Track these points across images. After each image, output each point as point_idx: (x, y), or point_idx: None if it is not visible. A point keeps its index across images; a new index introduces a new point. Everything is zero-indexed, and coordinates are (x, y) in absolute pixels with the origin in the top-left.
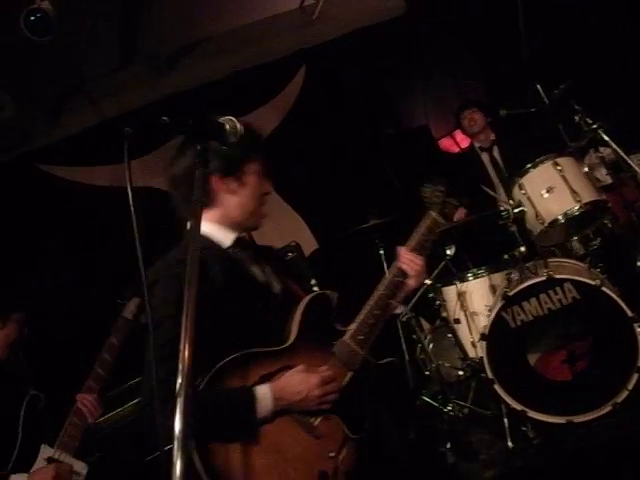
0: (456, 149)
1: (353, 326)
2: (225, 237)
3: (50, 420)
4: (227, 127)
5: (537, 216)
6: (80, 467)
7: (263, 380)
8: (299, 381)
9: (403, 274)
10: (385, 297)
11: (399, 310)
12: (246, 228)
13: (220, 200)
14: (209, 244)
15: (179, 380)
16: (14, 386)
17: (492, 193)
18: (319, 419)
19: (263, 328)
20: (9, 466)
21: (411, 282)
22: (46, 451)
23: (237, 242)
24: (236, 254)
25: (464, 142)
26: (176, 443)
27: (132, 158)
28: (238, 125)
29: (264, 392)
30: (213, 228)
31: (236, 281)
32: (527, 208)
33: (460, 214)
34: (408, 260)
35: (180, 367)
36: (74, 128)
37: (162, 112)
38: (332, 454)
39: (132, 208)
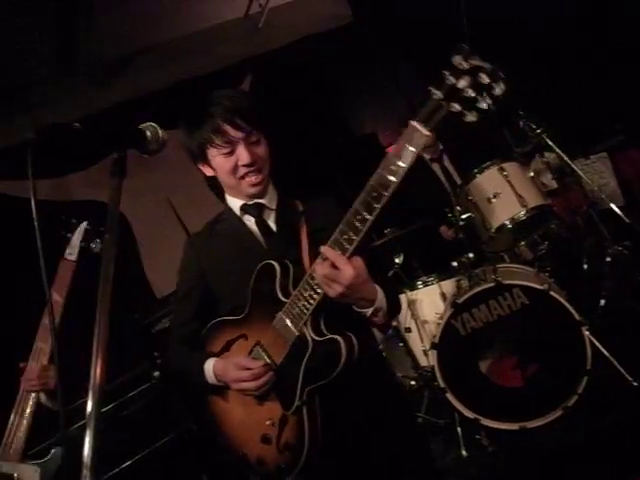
0: None
1: (288, 301)
2: (234, 205)
3: None
4: (148, 134)
5: (484, 222)
6: (30, 471)
7: (227, 345)
8: (228, 370)
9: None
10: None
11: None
12: (247, 196)
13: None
14: (227, 212)
15: (89, 400)
16: None
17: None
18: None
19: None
20: None
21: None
22: None
23: (245, 208)
24: (241, 221)
25: None
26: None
27: (73, 171)
28: (160, 132)
29: (208, 368)
30: (227, 197)
31: (234, 248)
32: (474, 214)
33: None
34: (321, 267)
35: (90, 384)
36: (9, 139)
37: (101, 124)
38: (268, 422)
39: (35, 221)
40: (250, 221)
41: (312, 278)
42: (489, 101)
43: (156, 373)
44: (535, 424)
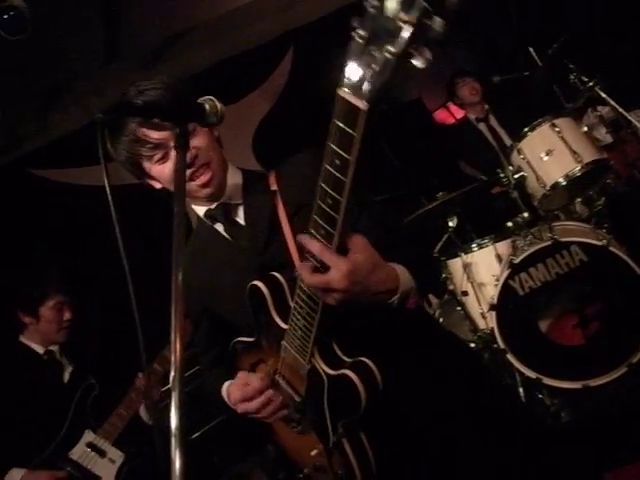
0: (452, 120)
1: (287, 328)
2: (200, 213)
3: (100, 408)
4: (207, 107)
5: (538, 180)
6: (116, 455)
7: (252, 368)
8: (232, 387)
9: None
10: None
11: None
12: (205, 199)
13: None
14: (199, 223)
15: (172, 373)
16: (72, 373)
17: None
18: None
19: (244, 308)
20: (53, 445)
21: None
22: (88, 436)
23: (210, 215)
24: (213, 230)
25: (458, 113)
26: (173, 440)
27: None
28: (218, 105)
29: (223, 394)
30: (193, 207)
31: (216, 264)
32: (527, 173)
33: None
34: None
35: (172, 359)
36: (62, 129)
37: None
38: (313, 452)
39: (110, 202)
40: (221, 228)
41: (303, 289)
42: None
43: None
44: (598, 382)
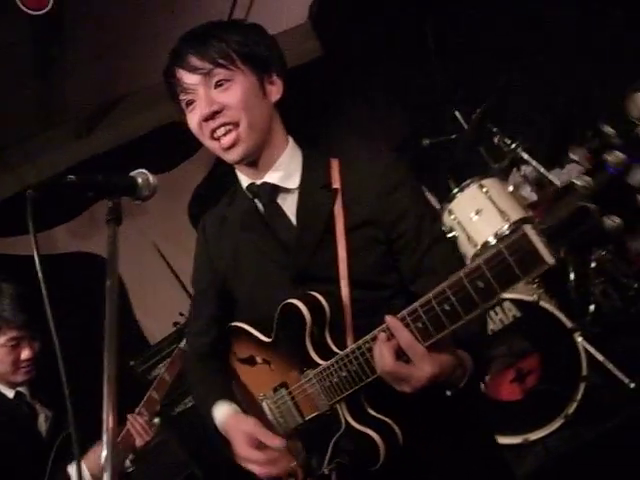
0: None
1: (322, 365)
2: (243, 182)
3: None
4: (139, 181)
5: (469, 239)
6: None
7: (251, 360)
8: (237, 441)
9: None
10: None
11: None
12: (234, 164)
13: None
14: (239, 190)
15: (104, 452)
16: (47, 419)
17: None
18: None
19: (265, 301)
20: None
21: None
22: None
23: (251, 190)
24: (253, 205)
25: None
26: None
27: (58, 224)
28: (151, 177)
29: (218, 418)
30: (236, 172)
31: (247, 244)
32: (458, 233)
33: None
34: (385, 354)
35: (104, 438)
36: None
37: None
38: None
39: (40, 276)
40: (262, 207)
41: (366, 352)
42: None
43: (156, 420)
44: (538, 435)
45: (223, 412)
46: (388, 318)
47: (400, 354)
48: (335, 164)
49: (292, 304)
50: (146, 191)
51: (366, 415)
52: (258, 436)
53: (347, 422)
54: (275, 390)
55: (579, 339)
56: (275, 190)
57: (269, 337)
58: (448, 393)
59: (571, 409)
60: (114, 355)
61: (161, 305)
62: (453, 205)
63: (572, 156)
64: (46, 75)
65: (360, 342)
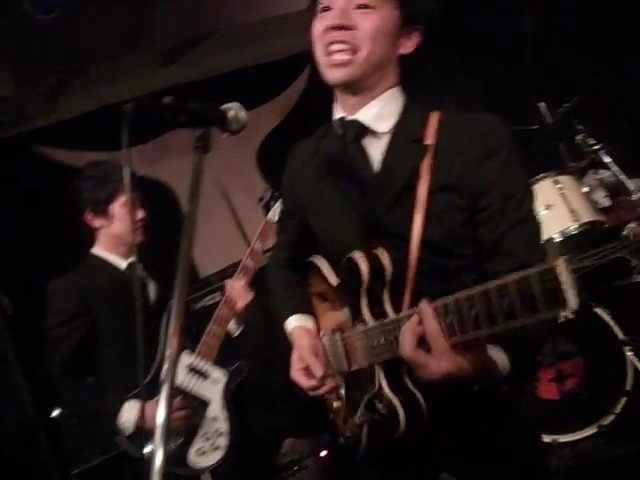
0: None
1: (370, 325)
2: (336, 116)
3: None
4: (230, 114)
5: None
6: (219, 375)
7: (321, 296)
8: (295, 352)
9: None
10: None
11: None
12: (332, 84)
13: None
14: (334, 124)
15: (165, 365)
16: (156, 290)
17: None
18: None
19: (339, 244)
20: (152, 371)
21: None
22: (187, 359)
23: (342, 123)
24: (343, 142)
25: None
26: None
27: (133, 145)
28: (241, 113)
29: (288, 330)
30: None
31: (332, 180)
32: None
33: None
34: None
35: (167, 353)
36: (72, 111)
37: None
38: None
39: (130, 187)
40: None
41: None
42: None
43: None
44: (567, 439)
45: (293, 323)
46: (422, 303)
47: (424, 340)
48: (434, 119)
49: (352, 260)
50: (235, 125)
51: (400, 383)
52: (306, 359)
53: (380, 385)
54: (333, 332)
55: (629, 353)
56: (363, 130)
57: (337, 280)
58: (475, 388)
59: (607, 420)
60: (186, 277)
61: (215, 240)
62: None
63: None
64: (140, 2)
65: (402, 314)
